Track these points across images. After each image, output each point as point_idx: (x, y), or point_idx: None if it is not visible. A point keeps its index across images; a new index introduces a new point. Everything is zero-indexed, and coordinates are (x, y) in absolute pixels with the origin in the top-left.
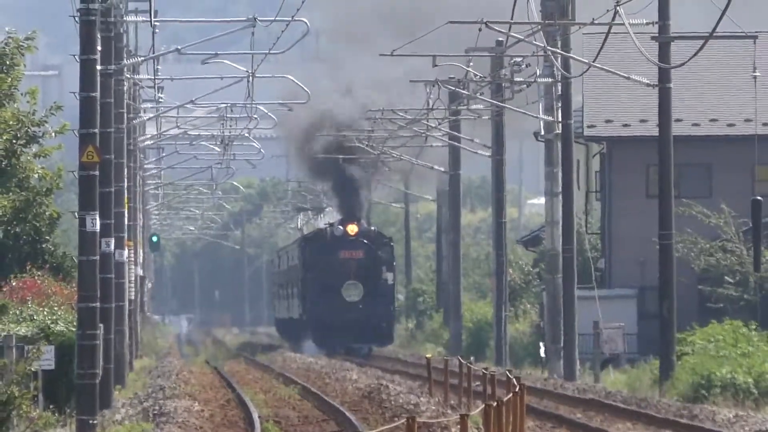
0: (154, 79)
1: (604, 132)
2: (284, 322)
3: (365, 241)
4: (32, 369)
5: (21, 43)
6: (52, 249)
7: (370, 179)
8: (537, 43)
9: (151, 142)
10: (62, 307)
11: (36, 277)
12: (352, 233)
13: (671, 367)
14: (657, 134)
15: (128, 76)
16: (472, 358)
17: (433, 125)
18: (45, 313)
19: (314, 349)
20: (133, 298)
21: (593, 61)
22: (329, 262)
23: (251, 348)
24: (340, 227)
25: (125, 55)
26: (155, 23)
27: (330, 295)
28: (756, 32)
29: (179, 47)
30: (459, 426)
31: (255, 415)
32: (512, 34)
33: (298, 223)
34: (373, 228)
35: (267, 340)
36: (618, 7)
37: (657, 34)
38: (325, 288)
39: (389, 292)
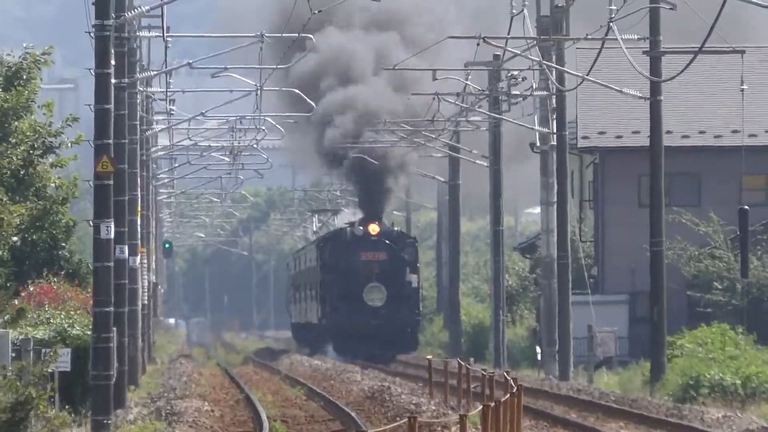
0: (166, 92)
1: (597, 143)
2: (301, 327)
3: (387, 241)
4: (49, 371)
5: (38, 58)
6: (68, 256)
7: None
8: (533, 57)
9: (164, 152)
10: (78, 312)
11: (52, 283)
12: (374, 233)
13: (662, 369)
14: (648, 145)
15: (141, 89)
16: (471, 359)
17: (434, 136)
18: (61, 317)
19: (334, 356)
20: (146, 302)
21: (587, 75)
22: (350, 263)
23: (264, 354)
24: (361, 227)
25: (138, 69)
26: (167, 38)
27: (351, 299)
28: (743, 47)
29: (191, 62)
30: (458, 425)
31: (263, 415)
32: (509, 48)
33: (314, 225)
34: (396, 228)
35: (276, 344)
36: (611, 23)
37: (648, 49)
38: (345, 291)
39: (414, 296)
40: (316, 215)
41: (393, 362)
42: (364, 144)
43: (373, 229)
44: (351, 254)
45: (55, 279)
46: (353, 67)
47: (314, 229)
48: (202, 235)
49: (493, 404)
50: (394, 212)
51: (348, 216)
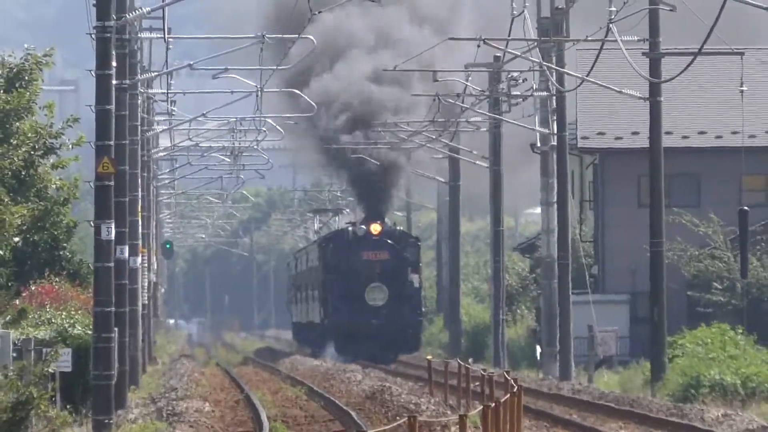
0: (167, 93)
1: (597, 144)
2: (302, 327)
3: (389, 241)
4: (50, 370)
5: (39, 59)
6: (69, 256)
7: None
8: (533, 58)
9: (164, 153)
10: (79, 312)
11: (54, 283)
12: (376, 233)
13: (662, 369)
14: (648, 146)
15: (142, 90)
16: (470, 359)
17: (434, 137)
18: (62, 317)
19: (335, 357)
20: (146, 302)
21: (587, 76)
22: (351, 263)
23: (265, 354)
24: (363, 227)
25: (139, 71)
26: (168, 40)
27: (353, 299)
28: (743, 48)
29: (191, 63)
30: (458, 425)
31: (263, 415)
32: (509, 50)
33: (315, 225)
34: (398, 227)
35: (277, 344)
36: (611, 25)
37: (648, 51)
38: (347, 291)
39: (416, 296)
40: (318, 215)
41: (394, 362)
42: (366, 145)
43: (375, 228)
44: (353, 254)
45: (57, 279)
46: (352, 45)
47: (315, 228)
48: (203, 236)
49: (493, 404)
50: (395, 212)
51: (349, 216)
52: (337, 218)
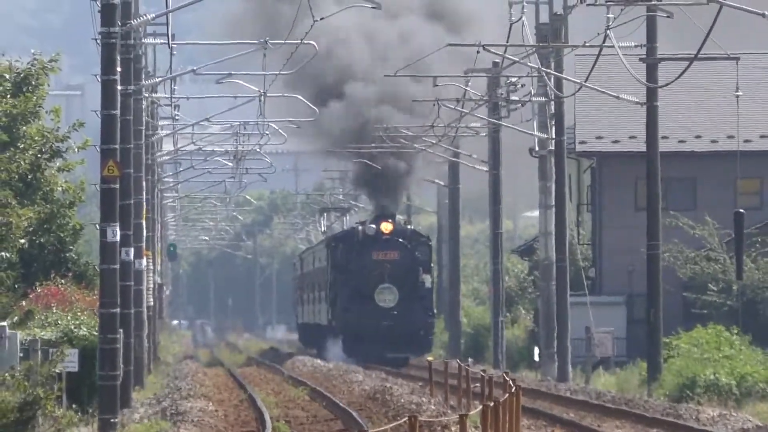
0: (171, 98)
1: (595, 148)
2: (309, 328)
3: (401, 240)
4: (56, 371)
5: (45, 65)
6: (75, 258)
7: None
8: (531, 64)
9: (168, 157)
10: (85, 313)
11: (60, 285)
12: (387, 232)
13: (658, 369)
14: (645, 150)
15: (147, 95)
16: (470, 359)
17: (434, 142)
18: (68, 318)
19: (344, 359)
20: (151, 304)
21: (585, 81)
22: (361, 263)
23: (268, 354)
24: (373, 226)
25: (144, 76)
26: (172, 45)
27: (362, 300)
28: (738, 54)
29: (195, 68)
30: (458, 425)
31: (266, 415)
32: (508, 56)
33: (321, 225)
34: (409, 226)
35: (278, 345)
36: (608, 31)
37: (645, 56)
38: (356, 292)
39: (427, 296)
40: (324, 214)
41: (405, 366)
42: (368, 149)
43: (386, 227)
44: (362, 253)
45: (63, 281)
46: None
47: (322, 228)
48: (207, 239)
49: (492, 404)
50: (396, 216)
51: (357, 216)
52: (345, 218)
